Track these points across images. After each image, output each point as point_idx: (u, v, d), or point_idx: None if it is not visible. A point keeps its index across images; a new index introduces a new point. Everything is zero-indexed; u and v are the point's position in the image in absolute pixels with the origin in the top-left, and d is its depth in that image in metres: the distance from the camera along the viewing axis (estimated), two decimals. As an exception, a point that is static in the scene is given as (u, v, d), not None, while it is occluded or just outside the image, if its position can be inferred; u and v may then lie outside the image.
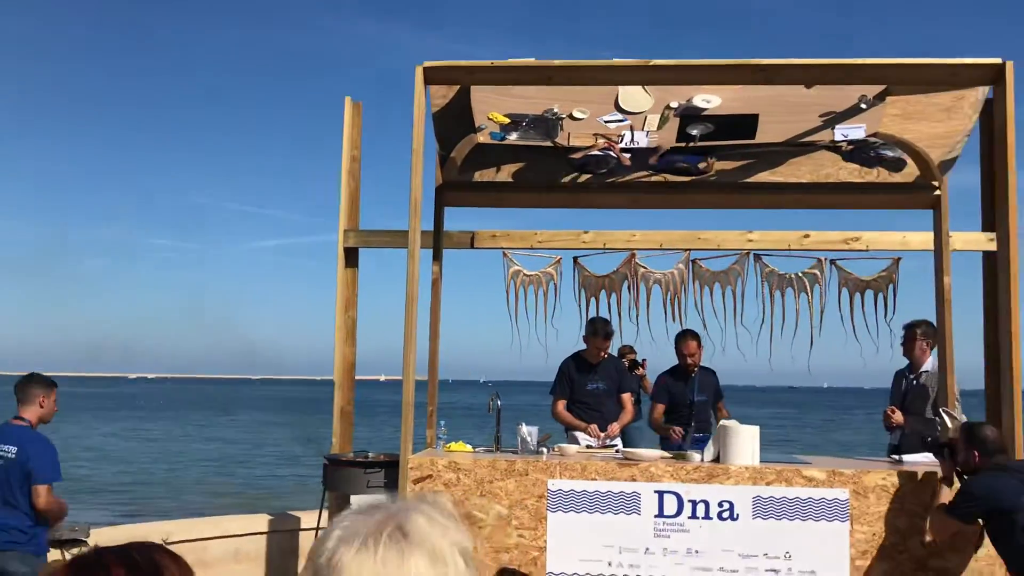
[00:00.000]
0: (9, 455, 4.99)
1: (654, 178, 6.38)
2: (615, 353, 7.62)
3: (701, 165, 6.20)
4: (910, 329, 6.93)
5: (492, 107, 5.90)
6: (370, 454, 5.91)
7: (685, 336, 7.14)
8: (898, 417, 6.78)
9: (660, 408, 7.24)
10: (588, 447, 6.39)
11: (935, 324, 6.25)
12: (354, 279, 6.64)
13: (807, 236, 6.62)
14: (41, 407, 5.20)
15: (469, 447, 5.90)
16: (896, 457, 6.00)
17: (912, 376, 6.92)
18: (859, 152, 6.06)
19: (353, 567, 1.04)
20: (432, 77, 5.45)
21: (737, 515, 5.15)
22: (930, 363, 6.79)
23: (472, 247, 6.73)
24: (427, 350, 6.43)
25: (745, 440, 5.47)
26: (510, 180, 6.53)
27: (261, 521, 6.94)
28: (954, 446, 5.01)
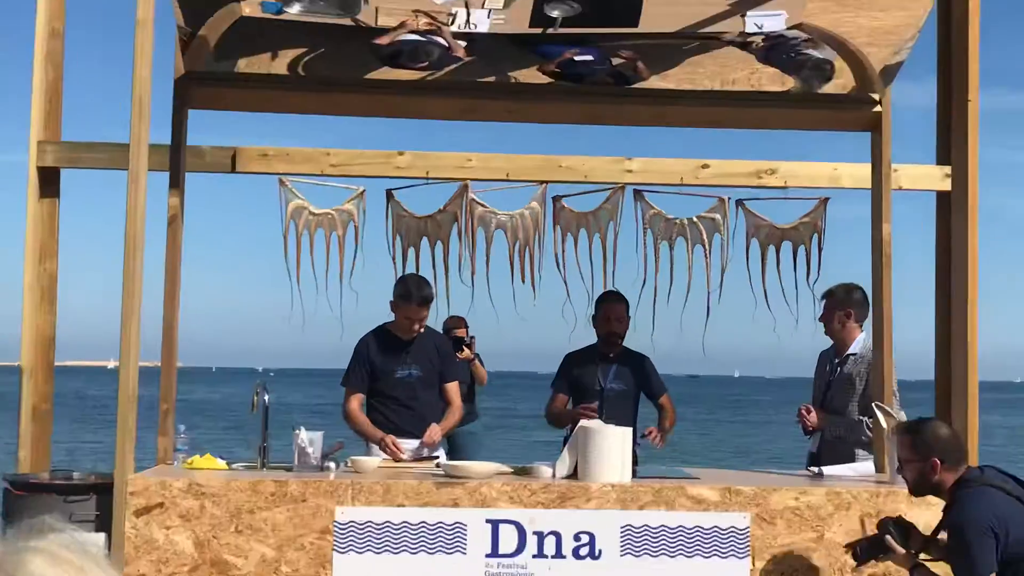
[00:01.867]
0: None
1: (535, 78, 6.29)
2: (440, 328, 7.48)
3: (617, 62, 6.24)
4: (829, 297, 7.04)
5: (264, -34, 5.81)
6: (75, 474, 5.79)
7: (610, 299, 7.05)
8: (813, 417, 6.90)
9: (561, 399, 7.18)
10: (397, 460, 6.23)
11: (866, 289, 6.37)
12: (53, 215, 6.36)
13: (706, 167, 6.65)
14: None
15: (222, 462, 5.83)
16: (815, 470, 6.14)
17: (837, 361, 7.04)
18: (777, 51, 6.11)
19: None
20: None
21: (599, 552, 5.16)
22: (860, 343, 6.92)
23: (234, 171, 6.59)
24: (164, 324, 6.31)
25: (612, 447, 5.40)
26: (290, 73, 6.34)
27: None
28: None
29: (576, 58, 6.18)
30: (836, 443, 6.81)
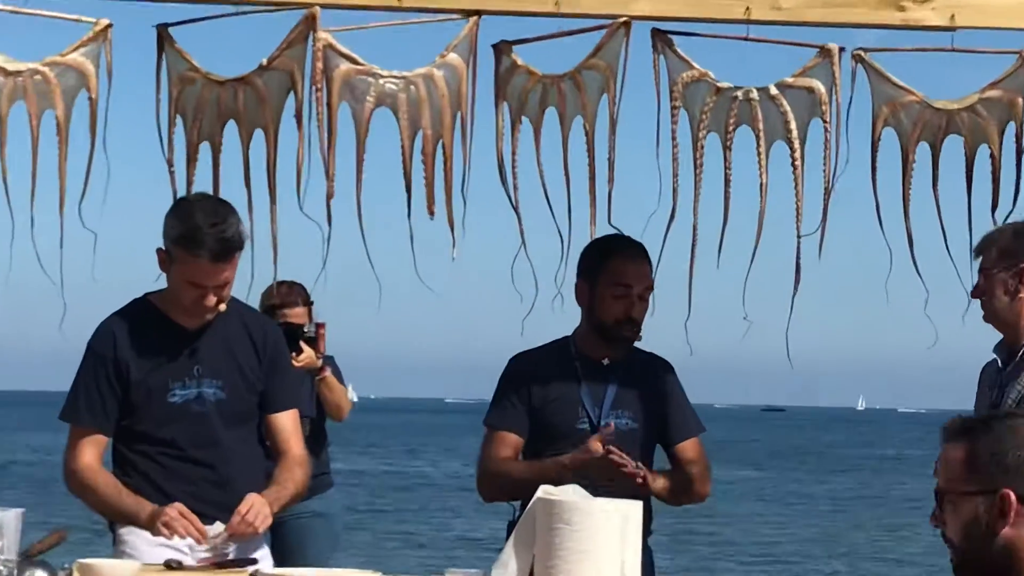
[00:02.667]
0: None
1: None
2: (258, 306, 7.30)
3: None
4: (985, 251, 6.91)
5: None
6: None
7: (623, 251, 6.77)
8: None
9: (509, 443, 6.84)
10: (174, 565, 5.92)
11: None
12: None
13: (792, -11, 6.05)
14: None
15: None
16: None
17: (1006, 366, 6.95)
18: None
19: None
20: None
21: None
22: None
23: None
24: None
25: (602, 539, 5.28)
26: None
27: None
28: None
29: None
30: None
